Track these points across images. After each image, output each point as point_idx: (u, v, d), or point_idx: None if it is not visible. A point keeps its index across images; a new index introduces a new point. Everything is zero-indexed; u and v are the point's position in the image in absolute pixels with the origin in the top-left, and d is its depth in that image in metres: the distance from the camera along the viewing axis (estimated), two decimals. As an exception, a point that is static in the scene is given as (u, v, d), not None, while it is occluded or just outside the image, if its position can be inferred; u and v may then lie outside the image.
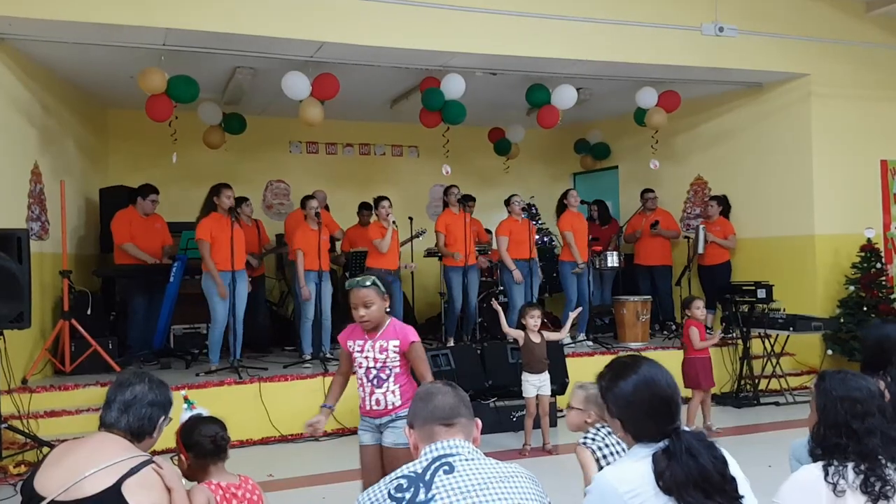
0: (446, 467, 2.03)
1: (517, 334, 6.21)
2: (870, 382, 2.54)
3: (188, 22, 6.35)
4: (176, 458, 2.95)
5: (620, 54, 7.76)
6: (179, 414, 3.03)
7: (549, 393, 6.19)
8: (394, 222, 7.90)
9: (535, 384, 6.11)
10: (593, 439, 3.39)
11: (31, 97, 7.19)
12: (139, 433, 2.60)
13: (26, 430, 5.78)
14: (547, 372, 6.15)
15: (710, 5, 7.33)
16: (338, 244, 9.19)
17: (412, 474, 2.03)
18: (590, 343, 8.47)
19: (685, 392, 5.77)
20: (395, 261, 7.95)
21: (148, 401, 2.63)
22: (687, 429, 2.19)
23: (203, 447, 2.88)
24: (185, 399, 3.14)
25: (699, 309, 6.69)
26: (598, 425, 3.43)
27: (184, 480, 2.70)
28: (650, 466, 2.09)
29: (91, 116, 9.08)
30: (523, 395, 6.16)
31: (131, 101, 8.07)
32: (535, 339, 6.14)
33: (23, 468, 5.51)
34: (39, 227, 7.13)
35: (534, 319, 6.12)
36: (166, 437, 2.87)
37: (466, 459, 2.07)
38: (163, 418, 2.68)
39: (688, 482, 2.05)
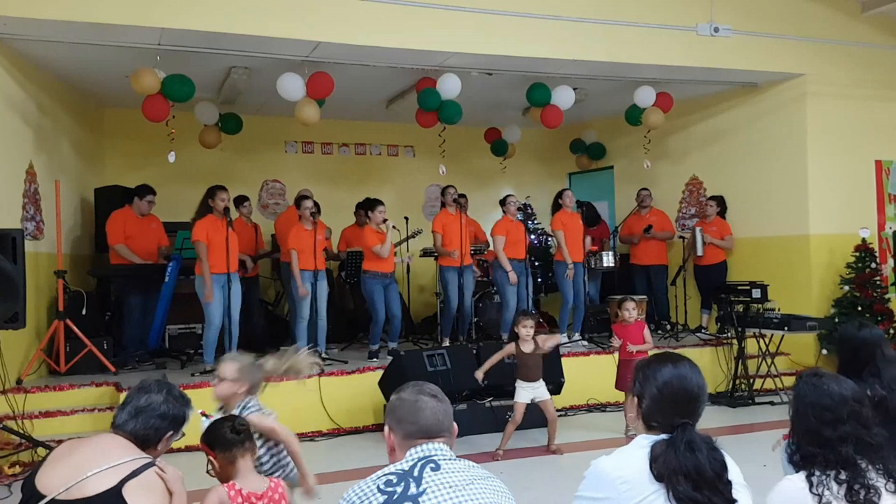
0: (432, 465, 2.09)
1: (507, 350, 6.15)
2: (843, 387, 2.47)
3: (184, 21, 6.34)
4: (209, 465, 2.99)
5: (616, 54, 7.77)
6: (198, 427, 3.07)
7: (548, 397, 6.15)
8: (394, 226, 7.82)
9: (530, 391, 6.06)
10: (260, 407, 3.38)
11: (26, 97, 7.17)
12: (143, 441, 2.59)
13: (21, 431, 5.77)
14: (542, 381, 6.10)
15: (705, 5, 7.34)
16: (334, 243, 9.16)
17: (400, 471, 2.07)
18: (585, 343, 8.48)
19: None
20: (391, 263, 7.94)
21: (159, 412, 2.63)
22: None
23: (224, 438, 2.93)
24: (203, 414, 3.16)
25: (628, 311, 6.68)
26: (248, 398, 3.40)
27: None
28: (647, 457, 2.13)
29: (87, 115, 9.07)
30: (515, 399, 6.09)
31: (127, 100, 8.06)
32: (527, 348, 6.06)
33: (17, 469, 5.50)
34: (34, 227, 7.12)
35: (526, 329, 6.05)
36: (193, 436, 2.93)
37: (449, 459, 2.13)
38: (171, 433, 2.67)
39: (679, 471, 2.08)
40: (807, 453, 2.41)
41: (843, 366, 3.69)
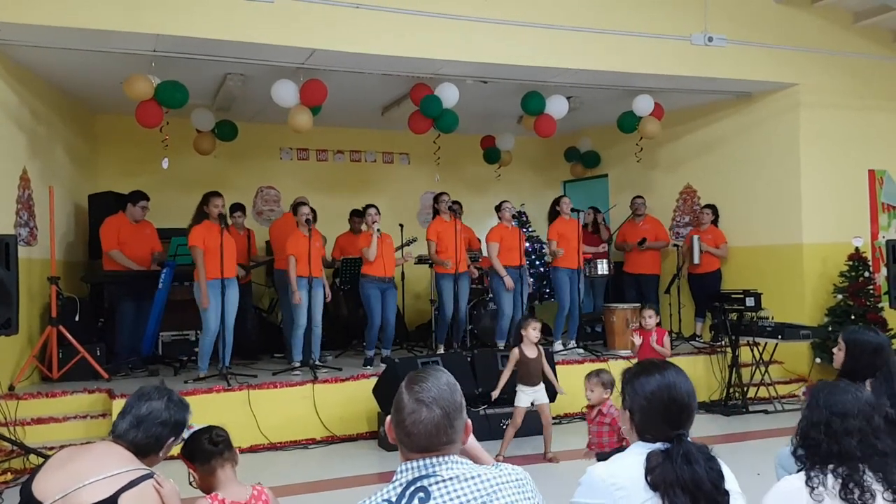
0: (422, 494, 1.84)
1: (514, 358, 6.14)
2: (861, 392, 2.55)
3: (179, 28, 6.34)
4: (191, 477, 2.96)
5: (610, 63, 7.80)
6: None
7: (547, 401, 6.19)
8: (378, 230, 7.84)
9: (530, 395, 6.09)
10: None
11: (20, 102, 7.16)
12: (144, 450, 2.59)
13: (13, 438, 5.74)
14: (542, 384, 6.13)
15: (699, 15, 7.38)
16: (328, 251, 9.15)
17: (386, 503, 1.86)
18: (580, 350, 8.47)
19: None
20: (390, 268, 7.93)
21: (160, 420, 2.63)
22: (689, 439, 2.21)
23: (203, 450, 2.91)
24: None
25: (645, 319, 6.77)
26: None
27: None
28: (643, 464, 2.13)
29: (80, 121, 9.04)
30: (515, 404, 6.12)
31: (121, 106, 8.03)
32: (531, 353, 6.10)
33: (9, 476, 5.47)
34: (28, 233, 7.09)
35: (535, 332, 6.10)
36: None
37: (444, 480, 1.86)
38: (172, 440, 2.68)
39: (676, 483, 2.08)
40: (811, 443, 2.45)
41: (852, 369, 3.65)
